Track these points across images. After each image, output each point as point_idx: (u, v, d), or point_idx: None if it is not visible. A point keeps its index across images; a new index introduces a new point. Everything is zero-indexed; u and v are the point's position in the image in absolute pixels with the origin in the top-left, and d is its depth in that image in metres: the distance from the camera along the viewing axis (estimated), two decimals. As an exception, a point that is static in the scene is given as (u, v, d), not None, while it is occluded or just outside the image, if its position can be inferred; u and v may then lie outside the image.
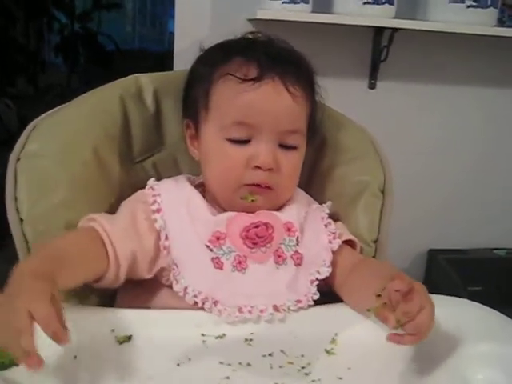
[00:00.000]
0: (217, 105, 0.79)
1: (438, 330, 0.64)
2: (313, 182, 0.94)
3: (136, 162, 0.92)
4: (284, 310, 0.73)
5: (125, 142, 0.90)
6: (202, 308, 0.71)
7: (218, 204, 0.82)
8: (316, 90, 0.84)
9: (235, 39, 0.84)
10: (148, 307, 0.75)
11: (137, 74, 0.94)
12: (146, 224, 0.77)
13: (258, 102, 0.76)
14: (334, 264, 0.78)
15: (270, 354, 0.66)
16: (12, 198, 0.79)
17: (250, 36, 0.85)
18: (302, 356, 0.66)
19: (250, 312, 0.71)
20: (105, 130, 0.87)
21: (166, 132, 0.95)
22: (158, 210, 0.77)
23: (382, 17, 1.60)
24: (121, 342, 0.67)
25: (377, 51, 1.76)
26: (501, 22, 1.72)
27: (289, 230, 0.80)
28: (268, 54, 0.78)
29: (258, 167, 0.77)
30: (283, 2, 1.54)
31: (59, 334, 0.52)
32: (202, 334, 0.69)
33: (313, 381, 0.62)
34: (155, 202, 0.78)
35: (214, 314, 0.71)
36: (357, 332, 0.70)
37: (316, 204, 0.87)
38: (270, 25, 1.51)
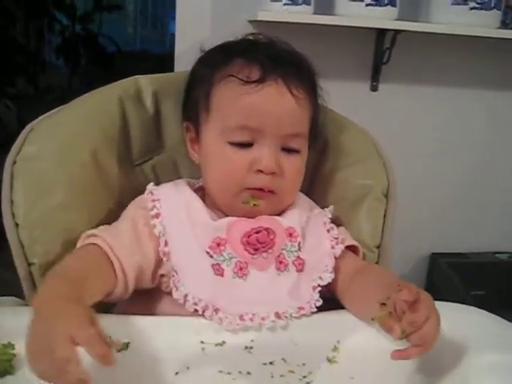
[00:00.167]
0: (218, 107, 0.77)
1: (443, 338, 0.62)
2: (315, 185, 0.92)
3: (135, 164, 0.91)
4: (286, 317, 0.71)
5: (124, 144, 0.89)
6: (203, 316, 0.70)
7: (218, 208, 0.80)
8: (318, 93, 0.83)
9: (236, 40, 0.83)
10: (146, 314, 0.73)
11: (136, 76, 0.93)
12: (145, 230, 0.76)
13: (260, 104, 0.74)
14: (336, 270, 0.77)
15: (270, 363, 0.65)
16: (8, 202, 0.78)
17: (252, 37, 0.83)
18: (304, 364, 0.64)
19: (251, 320, 0.70)
20: (103, 132, 0.86)
21: (165, 134, 0.93)
22: (157, 216, 0.76)
23: (385, 19, 1.58)
24: (118, 350, 0.65)
25: (379, 53, 1.74)
26: (504, 24, 1.70)
27: (290, 235, 0.78)
28: (270, 55, 0.77)
29: (260, 171, 0.75)
30: (285, 4, 1.53)
31: (106, 356, 0.51)
32: (202, 342, 0.67)
33: (314, 390, 0.60)
34: (154, 207, 0.77)
35: (215, 321, 0.70)
36: (359, 340, 0.68)
37: (318, 208, 0.86)
38: (271, 26, 1.50)
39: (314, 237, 0.80)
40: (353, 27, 1.59)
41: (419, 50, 1.78)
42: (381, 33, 1.71)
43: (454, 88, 1.86)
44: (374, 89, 1.81)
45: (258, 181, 0.76)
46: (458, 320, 0.68)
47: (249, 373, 0.62)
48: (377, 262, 0.86)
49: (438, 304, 0.61)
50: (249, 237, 0.75)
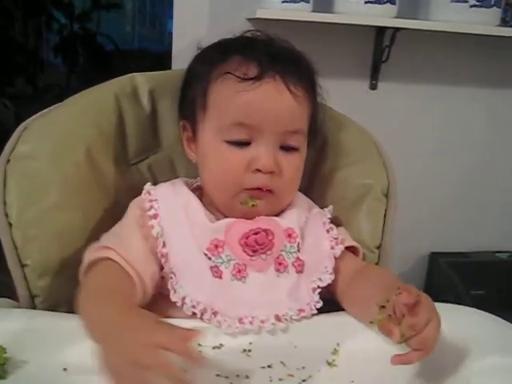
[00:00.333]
0: (215, 105, 0.76)
1: (444, 340, 0.61)
2: (314, 185, 0.91)
3: (131, 163, 0.90)
4: (286, 319, 0.70)
5: (119, 143, 0.88)
6: (201, 319, 0.69)
7: (215, 209, 0.79)
8: (317, 91, 0.82)
9: (234, 38, 0.81)
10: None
11: (132, 73, 0.91)
12: (144, 231, 0.74)
13: (258, 101, 0.73)
14: (335, 271, 0.76)
15: (269, 366, 0.63)
16: (1, 202, 0.76)
17: (249, 35, 0.82)
18: (303, 368, 0.63)
19: (250, 323, 0.69)
20: (99, 130, 0.84)
21: (162, 133, 0.92)
22: (155, 216, 0.74)
23: (384, 16, 1.57)
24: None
25: (378, 51, 1.74)
26: (504, 22, 1.70)
27: (289, 236, 0.77)
28: (268, 52, 0.75)
29: (258, 170, 0.74)
30: (283, 1, 1.52)
31: (197, 356, 0.51)
32: (199, 344, 0.65)
33: (314, 394, 0.59)
34: (152, 207, 0.75)
35: (214, 325, 0.68)
36: (360, 342, 0.67)
37: (317, 208, 0.84)
38: (270, 24, 1.49)
39: (314, 237, 0.79)
40: (352, 25, 1.58)
41: (419, 48, 1.77)
42: (380, 31, 1.70)
43: (453, 86, 1.85)
44: (373, 87, 1.80)
45: (256, 180, 0.74)
46: (459, 322, 0.67)
47: (247, 376, 0.61)
48: (377, 263, 0.85)
49: (438, 306, 0.60)
50: (247, 238, 0.74)
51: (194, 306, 0.69)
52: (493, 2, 1.59)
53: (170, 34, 1.68)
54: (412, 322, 0.56)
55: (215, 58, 0.78)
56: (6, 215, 0.76)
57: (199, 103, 0.78)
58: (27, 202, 0.77)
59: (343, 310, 0.75)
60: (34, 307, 0.77)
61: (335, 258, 0.76)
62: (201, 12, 1.65)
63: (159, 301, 0.74)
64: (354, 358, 0.65)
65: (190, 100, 0.80)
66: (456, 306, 0.73)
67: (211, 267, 0.72)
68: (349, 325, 0.70)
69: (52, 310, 0.75)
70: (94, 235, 0.80)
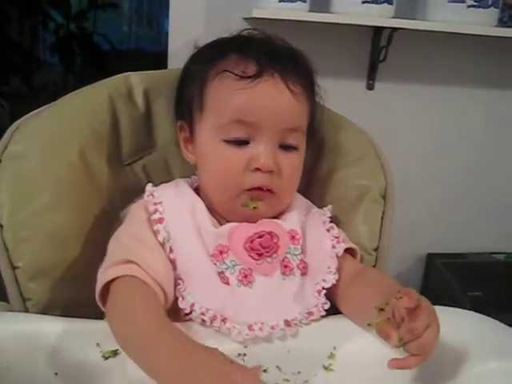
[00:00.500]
0: (213, 103, 0.75)
1: (442, 344, 0.60)
2: (312, 186, 0.90)
3: (125, 164, 0.88)
4: (296, 324, 0.69)
5: (113, 143, 0.86)
6: (211, 326, 0.67)
7: (216, 212, 0.77)
8: (316, 90, 0.80)
9: (230, 37, 0.80)
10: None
11: (127, 73, 0.90)
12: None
13: (257, 99, 0.72)
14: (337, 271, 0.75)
15: (264, 371, 0.62)
16: None
17: (246, 33, 0.81)
18: (299, 373, 0.62)
19: (260, 329, 0.67)
20: (92, 130, 0.83)
21: (156, 133, 0.91)
22: (161, 220, 0.72)
23: (381, 16, 1.56)
24: (106, 358, 0.63)
25: (375, 51, 1.73)
26: (502, 23, 1.69)
27: (293, 238, 0.76)
28: (266, 50, 0.74)
29: (257, 169, 0.72)
30: (280, 1, 1.50)
31: None
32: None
33: (310, 400, 0.58)
34: (157, 210, 0.73)
35: (223, 332, 0.67)
36: (357, 347, 0.66)
37: (315, 208, 0.83)
38: (266, 24, 1.47)
39: (314, 238, 0.78)
40: (349, 25, 1.57)
41: (416, 48, 1.76)
42: (377, 31, 1.69)
43: (451, 87, 1.84)
44: (370, 87, 1.79)
45: (256, 180, 0.73)
46: (457, 325, 0.66)
47: (242, 381, 0.60)
48: (374, 265, 0.84)
49: (435, 309, 0.59)
50: (252, 242, 0.72)
51: (203, 314, 0.67)
52: (490, 3, 1.58)
53: (167, 33, 1.67)
54: (411, 327, 0.56)
55: (212, 56, 0.77)
56: None
57: (196, 102, 0.76)
58: (19, 202, 0.75)
59: (339, 313, 0.73)
60: (25, 310, 0.75)
61: (337, 257, 0.75)
62: (197, 11, 1.63)
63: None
64: (351, 362, 0.64)
65: (187, 99, 0.79)
66: (454, 309, 0.72)
67: (218, 273, 0.71)
68: (346, 328, 0.69)
69: (44, 314, 0.73)
70: (88, 237, 0.79)
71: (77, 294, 0.76)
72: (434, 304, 0.60)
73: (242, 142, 0.73)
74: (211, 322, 0.67)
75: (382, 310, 0.59)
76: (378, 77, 1.77)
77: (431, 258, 1.97)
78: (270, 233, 0.73)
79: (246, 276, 0.71)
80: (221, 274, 0.71)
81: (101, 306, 0.66)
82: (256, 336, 0.67)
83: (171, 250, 0.71)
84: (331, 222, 0.80)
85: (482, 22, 1.59)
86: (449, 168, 1.92)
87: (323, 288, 0.72)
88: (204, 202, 0.77)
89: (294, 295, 0.72)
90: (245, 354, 0.65)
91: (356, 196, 0.86)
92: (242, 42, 0.78)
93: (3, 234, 0.74)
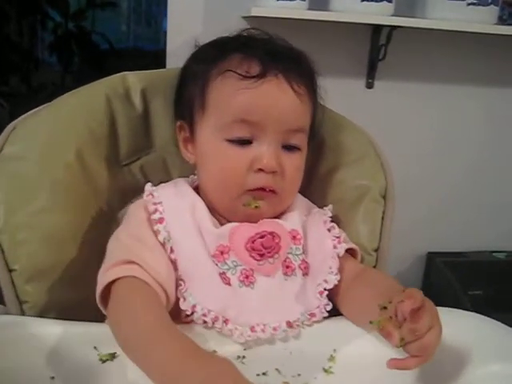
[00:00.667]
0: (215, 103, 0.74)
1: (445, 346, 0.60)
2: (312, 186, 0.89)
3: (123, 164, 0.88)
4: (298, 325, 0.69)
5: (111, 143, 0.85)
6: (213, 328, 0.66)
7: (216, 212, 0.76)
8: (317, 90, 0.80)
9: (232, 36, 0.79)
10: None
11: (124, 72, 0.90)
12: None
13: (261, 99, 0.71)
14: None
15: (264, 373, 0.62)
16: None
17: (247, 33, 0.80)
18: (299, 375, 0.62)
19: (263, 331, 0.67)
20: (89, 130, 0.82)
21: (154, 133, 0.90)
22: (161, 220, 0.71)
23: (380, 14, 1.56)
24: (104, 361, 0.62)
25: (375, 50, 1.72)
26: (501, 20, 1.68)
27: (294, 238, 0.76)
28: (269, 50, 0.74)
29: (260, 170, 0.72)
30: (278, -1, 1.50)
31: None
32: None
33: (310, 403, 0.58)
34: (157, 210, 0.72)
35: (225, 333, 0.66)
36: (357, 348, 0.66)
37: (316, 208, 0.83)
38: (265, 22, 1.46)
39: (316, 238, 0.77)
40: (348, 23, 1.56)
41: (415, 47, 1.75)
42: (376, 29, 1.68)
43: (450, 85, 1.84)
44: (369, 86, 1.78)
45: (259, 180, 0.72)
46: (458, 326, 0.66)
47: (241, 384, 0.59)
48: (374, 266, 0.83)
49: (438, 309, 0.59)
50: (253, 242, 0.71)
51: (204, 315, 0.67)
52: (490, 0, 1.57)
53: (166, 32, 1.66)
54: (413, 327, 0.55)
55: (213, 56, 0.76)
56: None
57: (197, 102, 0.76)
58: (15, 204, 0.75)
59: (340, 315, 0.73)
60: (22, 313, 0.74)
61: (338, 257, 0.75)
62: (195, 10, 1.63)
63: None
64: (351, 364, 0.63)
65: (187, 99, 0.78)
66: (455, 310, 0.71)
67: (220, 274, 0.70)
68: (346, 330, 0.69)
69: (41, 316, 0.73)
70: (85, 238, 0.78)
71: (74, 296, 0.75)
72: (434, 303, 0.60)
73: (244, 142, 0.72)
74: (213, 323, 0.67)
75: (384, 308, 0.58)
76: (377, 75, 1.76)
77: (431, 256, 1.96)
78: (271, 233, 0.73)
79: (247, 276, 0.71)
80: (222, 274, 0.70)
81: (101, 308, 0.66)
82: (258, 337, 0.66)
83: (172, 251, 0.70)
84: (332, 221, 0.79)
85: (482, 20, 1.58)
86: (449, 166, 1.91)
87: (325, 289, 0.72)
88: (204, 201, 0.76)
89: (295, 296, 0.72)
90: (244, 357, 0.64)
91: (356, 196, 0.85)
92: (243, 41, 0.77)
93: (-1, 236, 0.73)
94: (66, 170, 0.78)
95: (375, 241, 0.83)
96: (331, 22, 1.54)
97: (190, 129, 0.78)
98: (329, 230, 0.78)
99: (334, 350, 0.65)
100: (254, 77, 0.71)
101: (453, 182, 1.92)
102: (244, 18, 1.57)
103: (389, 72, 1.76)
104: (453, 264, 1.89)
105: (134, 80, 0.89)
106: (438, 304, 0.60)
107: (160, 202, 0.73)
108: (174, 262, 0.70)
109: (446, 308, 0.66)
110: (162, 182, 0.80)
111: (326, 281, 0.72)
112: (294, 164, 0.75)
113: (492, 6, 1.58)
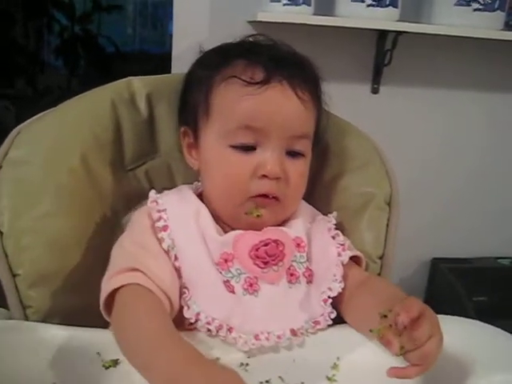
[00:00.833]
0: (219, 109, 0.74)
1: (447, 355, 0.59)
2: (316, 192, 0.89)
3: (128, 169, 0.88)
4: (302, 333, 0.68)
5: (116, 148, 0.85)
6: (217, 336, 0.66)
7: (220, 219, 0.76)
8: (321, 96, 0.80)
9: (236, 42, 0.79)
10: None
11: (130, 77, 0.90)
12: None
13: (265, 105, 0.71)
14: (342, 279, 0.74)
15: (267, 381, 0.61)
16: None
17: (252, 39, 0.80)
18: (302, 383, 0.61)
19: (267, 339, 0.66)
20: (94, 135, 0.82)
21: (159, 138, 0.90)
22: (165, 228, 0.71)
23: (386, 20, 1.55)
24: (107, 367, 0.62)
25: (380, 55, 1.71)
26: (508, 26, 1.67)
27: (298, 245, 0.75)
28: (273, 56, 0.73)
29: (264, 176, 0.71)
30: (284, 4, 1.50)
31: None
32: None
33: (313, 412, 0.57)
34: (161, 218, 0.72)
35: (229, 342, 0.66)
36: (360, 357, 0.65)
37: (320, 215, 0.82)
38: (271, 27, 1.47)
39: (320, 245, 0.77)
40: (353, 28, 1.56)
41: (421, 52, 1.75)
42: (382, 34, 1.68)
43: (456, 90, 1.83)
44: (374, 91, 1.78)
45: (262, 186, 0.72)
46: (460, 335, 0.65)
47: (244, 392, 0.59)
48: (379, 273, 0.83)
49: (440, 317, 0.58)
50: (257, 250, 0.71)
51: (208, 323, 0.66)
52: (496, 6, 1.56)
53: (172, 36, 1.67)
54: (413, 336, 0.55)
55: (218, 62, 0.76)
56: None
57: (202, 108, 0.75)
58: (19, 209, 0.75)
59: (344, 322, 0.72)
60: (25, 318, 0.74)
61: (343, 265, 0.74)
62: (201, 14, 1.63)
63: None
64: (355, 372, 0.63)
65: (192, 105, 0.78)
66: (456, 317, 0.70)
67: (224, 282, 0.70)
68: (349, 338, 0.68)
69: (44, 321, 0.73)
70: (89, 243, 0.78)
71: (77, 302, 0.75)
72: (439, 309, 0.59)
73: (248, 148, 0.72)
74: (217, 331, 0.66)
75: (385, 316, 0.58)
76: (382, 80, 1.76)
77: (436, 262, 1.95)
78: (275, 241, 0.72)
79: (251, 284, 0.70)
80: (226, 282, 0.70)
81: (105, 315, 0.66)
82: (262, 345, 0.66)
83: (176, 258, 0.70)
84: (336, 229, 0.79)
85: (488, 26, 1.57)
86: (453, 172, 1.90)
87: (329, 297, 0.71)
88: (208, 208, 0.76)
89: (299, 303, 0.71)
90: (247, 364, 0.64)
91: (361, 203, 0.85)
92: (247, 47, 0.77)
93: (3, 240, 0.73)
94: (70, 174, 0.79)
95: (380, 248, 0.83)
96: (337, 27, 1.54)
97: (194, 135, 0.78)
98: (333, 238, 0.77)
99: (338, 358, 0.65)
100: (258, 83, 0.71)
101: (457, 188, 1.92)
102: (250, 22, 1.57)
103: (394, 77, 1.76)
104: (457, 270, 1.88)
105: (139, 85, 0.89)
106: (442, 310, 0.60)
107: (164, 210, 0.73)
108: (178, 270, 0.69)
109: (447, 316, 0.66)
110: (166, 188, 0.80)
111: (330, 288, 0.72)
112: (298, 170, 0.75)
113: (498, 11, 1.57)
